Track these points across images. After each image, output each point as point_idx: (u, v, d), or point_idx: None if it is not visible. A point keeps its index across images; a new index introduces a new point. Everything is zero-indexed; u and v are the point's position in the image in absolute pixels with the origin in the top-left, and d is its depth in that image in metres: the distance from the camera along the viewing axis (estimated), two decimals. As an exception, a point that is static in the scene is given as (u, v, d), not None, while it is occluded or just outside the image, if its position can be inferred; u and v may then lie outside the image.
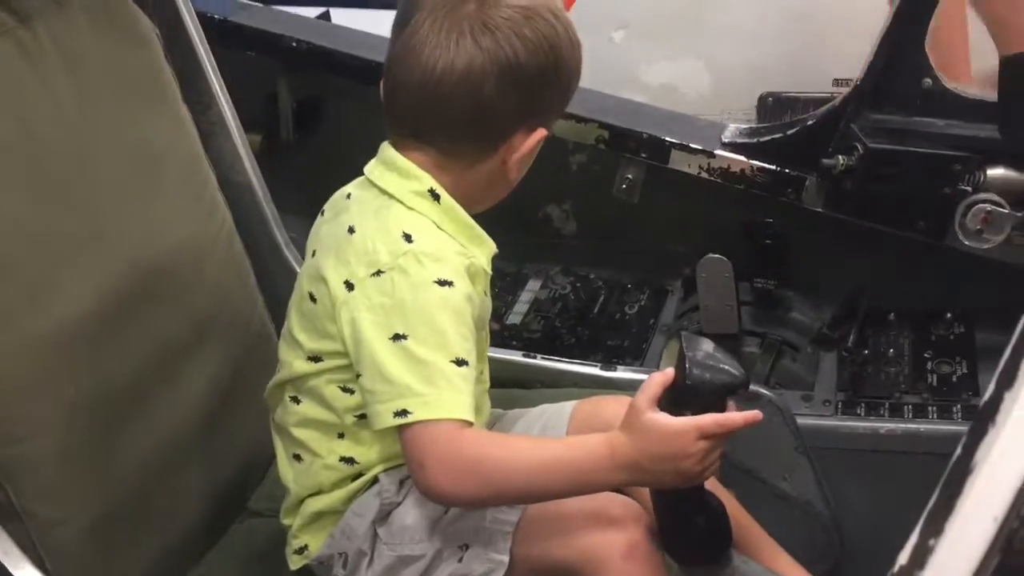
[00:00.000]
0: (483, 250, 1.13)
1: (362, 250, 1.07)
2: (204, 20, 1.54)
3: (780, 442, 1.56)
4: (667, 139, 1.79)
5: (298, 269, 1.26)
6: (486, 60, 1.04)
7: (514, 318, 1.93)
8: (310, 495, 1.18)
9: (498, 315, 1.94)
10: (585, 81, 2.01)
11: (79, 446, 1.18)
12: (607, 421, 1.11)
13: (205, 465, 1.35)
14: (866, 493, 1.60)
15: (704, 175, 1.77)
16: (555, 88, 1.10)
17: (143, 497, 1.25)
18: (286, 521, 1.21)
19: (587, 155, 1.91)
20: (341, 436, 1.14)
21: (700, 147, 1.77)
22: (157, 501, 1.27)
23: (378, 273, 1.05)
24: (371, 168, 1.14)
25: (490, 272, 1.16)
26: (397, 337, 1.03)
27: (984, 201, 1.54)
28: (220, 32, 1.80)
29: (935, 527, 0.53)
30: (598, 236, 1.98)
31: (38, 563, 1.08)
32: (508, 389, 1.46)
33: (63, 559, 1.15)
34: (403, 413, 1.02)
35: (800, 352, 1.79)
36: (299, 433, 1.17)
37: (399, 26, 1.09)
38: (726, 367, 1.03)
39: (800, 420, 1.58)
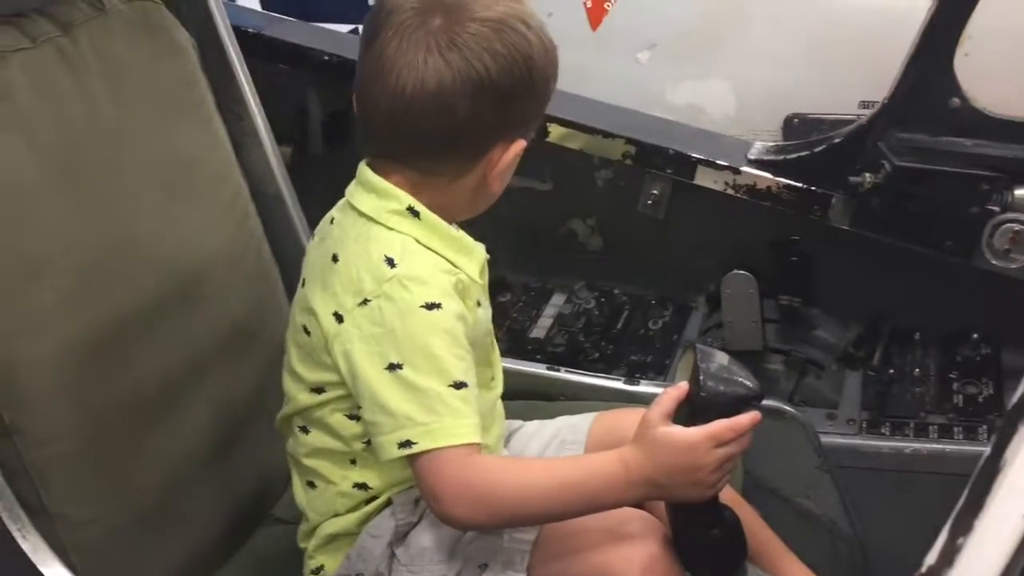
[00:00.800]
0: (472, 259, 1.11)
1: (347, 279, 1.06)
2: (237, 33, 1.56)
3: (803, 460, 1.55)
4: (693, 155, 1.80)
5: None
6: (456, 78, 1.00)
7: (538, 332, 1.94)
8: (325, 520, 1.18)
9: (522, 328, 1.95)
10: (611, 101, 2.04)
11: (109, 448, 1.19)
12: (625, 434, 1.10)
13: (231, 471, 1.36)
14: (890, 513, 1.58)
15: (730, 191, 1.77)
16: (531, 99, 1.06)
17: (170, 500, 1.26)
18: (302, 544, 1.21)
19: (613, 171, 1.92)
20: (353, 463, 1.14)
21: (726, 164, 1.78)
22: (184, 504, 1.29)
23: (365, 302, 1.03)
24: (351, 191, 1.12)
25: (483, 281, 1.14)
26: (392, 367, 1.02)
27: (1012, 221, 1.54)
28: (253, 45, 1.83)
29: (964, 526, 0.53)
30: (623, 251, 1.98)
31: (67, 562, 1.09)
32: (531, 401, 1.47)
33: (91, 558, 1.16)
34: (407, 444, 1.01)
35: (825, 370, 1.79)
36: (310, 462, 1.16)
37: (366, 45, 1.05)
38: (740, 379, 1.03)
39: (824, 438, 1.57)
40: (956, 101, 1.61)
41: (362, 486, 1.14)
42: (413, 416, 1.01)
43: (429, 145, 1.04)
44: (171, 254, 1.30)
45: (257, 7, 2.82)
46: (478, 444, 1.03)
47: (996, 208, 1.57)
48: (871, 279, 1.79)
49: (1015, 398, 0.53)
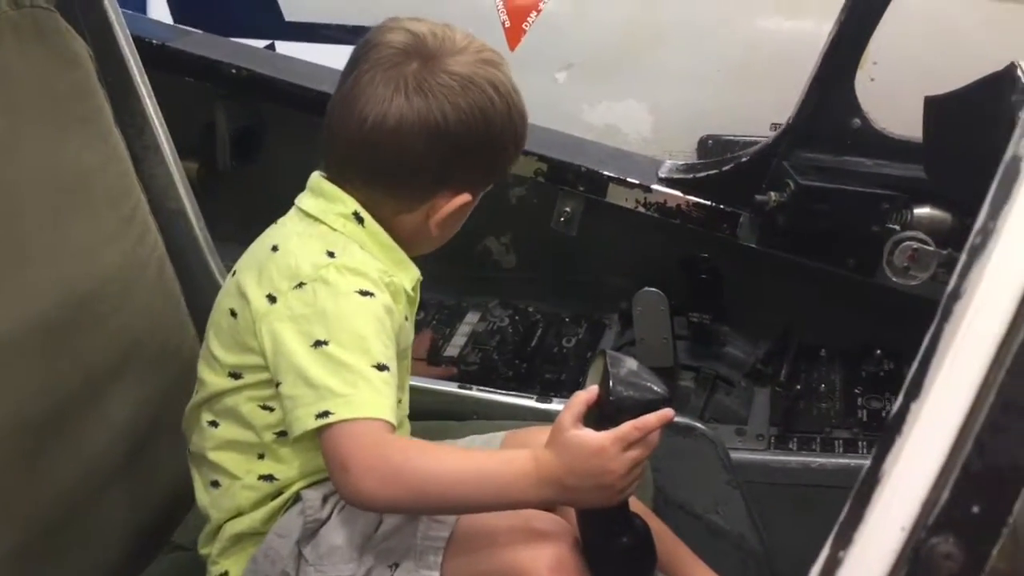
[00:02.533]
0: (407, 275, 1.15)
1: (284, 265, 1.09)
2: (142, 45, 1.52)
3: (713, 476, 1.56)
4: (604, 173, 1.82)
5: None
6: (415, 120, 1.06)
7: (452, 350, 1.93)
8: (230, 519, 1.16)
9: (436, 347, 1.93)
10: (529, 119, 2.04)
11: (-7, 472, 1.14)
12: None
13: (129, 496, 1.31)
14: (798, 527, 1.60)
15: (641, 209, 1.79)
16: (484, 158, 1.12)
17: (61, 528, 1.21)
18: (204, 550, 1.19)
19: (526, 188, 1.92)
20: (261, 456, 1.14)
21: (637, 181, 1.80)
22: (77, 533, 1.23)
23: (300, 285, 1.07)
24: (300, 196, 1.16)
25: (415, 297, 1.17)
26: (318, 343, 1.04)
27: (911, 239, 1.59)
28: (158, 58, 1.79)
29: (844, 539, 0.54)
30: (537, 269, 1.99)
31: (-56, 596, 1.03)
32: (443, 421, 1.45)
33: (-28, 591, 1.10)
34: (325, 414, 1.02)
35: (734, 386, 1.82)
36: (217, 456, 1.15)
37: (345, 72, 1.11)
38: (649, 384, 1.05)
39: (734, 454, 1.59)
40: (857, 122, 1.66)
41: (268, 477, 1.13)
42: (334, 388, 1.02)
43: (379, 176, 1.10)
44: (65, 270, 1.26)
45: (168, 21, 2.76)
46: (394, 425, 1.04)
47: (896, 227, 1.61)
48: (778, 296, 1.83)
49: (893, 409, 0.54)
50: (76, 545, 1.23)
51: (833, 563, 0.53)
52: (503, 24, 2.73)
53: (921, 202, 1.62)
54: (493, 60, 1.11)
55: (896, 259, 1.58)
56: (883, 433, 0.53)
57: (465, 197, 1.12)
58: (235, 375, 1.12)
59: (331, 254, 1.08)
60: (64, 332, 1.23)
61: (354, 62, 1.10)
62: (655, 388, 1.04)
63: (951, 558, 0.50)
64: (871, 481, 0.53)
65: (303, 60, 2.04)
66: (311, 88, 1.85)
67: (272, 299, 1.08)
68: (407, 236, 1.13)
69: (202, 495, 1.18)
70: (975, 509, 0.50)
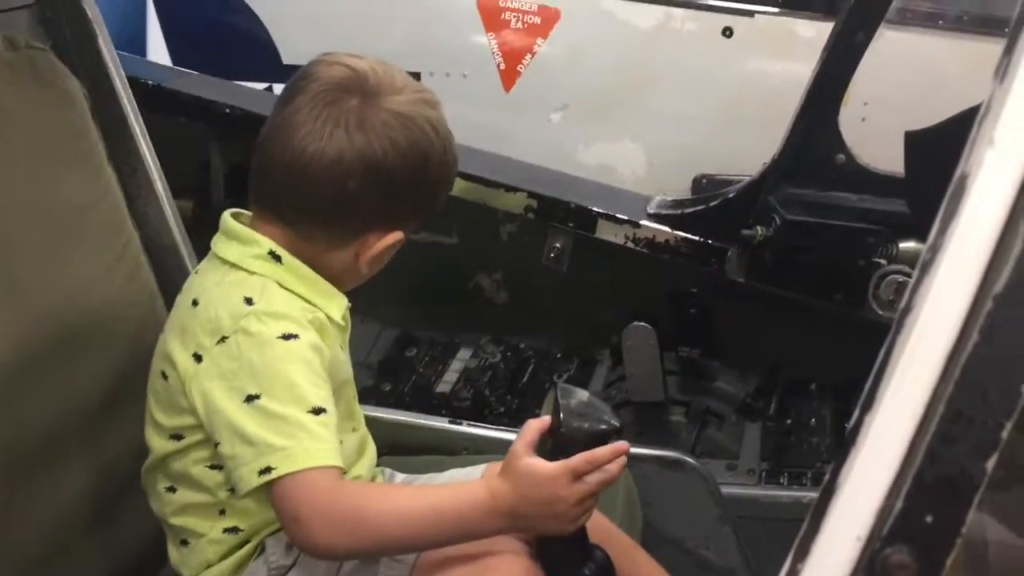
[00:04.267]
0: (334, 304, 1.13)
1: (205, 320, 1.08)
2: (136, 85, 1.55)
3: (704, 511, 1.56)
4: (594, 209, 1.84)
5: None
6: (355, 156, 1.05)
7: (444, 386, 1.94)
8: (200, 572, 1.15)
9: (428, 383, 1.94)
10: (523, 159, 2.06)
11: (-18, 506, 1.14)
12: None
13: (121, 529, 1.31)
14: (790, 562, 1.60)
15: (630, 245, 1.81)
16: (419, 196, 1.11)
17: (50, 565, 1.21)
18: None
19: (517, 225, 1.94)
20: (222, 512, 1.13)
21: (626, 218, 1.82)
22: (64, 567, 1.23)
23: (223, 340, 1.05)
24: (215, 240, 1.15)
25: (346, 326, 1.16)
26: (250, 398, 1.03)
27: (897, 272, 1.60)
28: (153, 98, 1.82)
29: (803, 551, 0.54)
30: (528, 305, 2.00)
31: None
32: (433, 456, 1.46)
33: (-44, 626, 1.10)
34: (267, 471, 1.01)
35: (725, 421, 1.82)
36: (179, 521, 1.15)
37: (281, 103, 1.10)
38: (599, 415, 1.05)
39: (724, 489, 1.58)
40: (841, 157, 1.68)
41: (233, 530, 1.13)
42: (272, 443, 1.01)
43: (314, 210, 1.09)
44: (56, 305, 1.27)
45: (168, 64, 2.80)
46: (340, 468, 1.03)
47: (882, 260, 1.63)
48: (767, 330, 1.84)
49: (850, 423, 0.55)
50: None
51: (792, 574, 0.54)
52: (498, 66, 2.77)
53: (906, 236, 1.64)
54: (431, 100, 1.11)
55: (882, 293, 1.60)
56: (841, 447, 0.54)
57: (397, 235, 1.11)
58: (176, 437, 1.12)
59: (249, 300, 1.06)
60: (55, 365, 1.24)
61: (290, 94, 1.09)
62: (606, 419, 1.05)
63: (905, 568, 0.51)
64: (828, 493, 0.53)
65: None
66: (305, 128, 1.88)
67: (198, 358, 1.07)
68: (335, 272, 1.12)
69: (173, 553, 1.18)
70: (928, 519, 0.51)
